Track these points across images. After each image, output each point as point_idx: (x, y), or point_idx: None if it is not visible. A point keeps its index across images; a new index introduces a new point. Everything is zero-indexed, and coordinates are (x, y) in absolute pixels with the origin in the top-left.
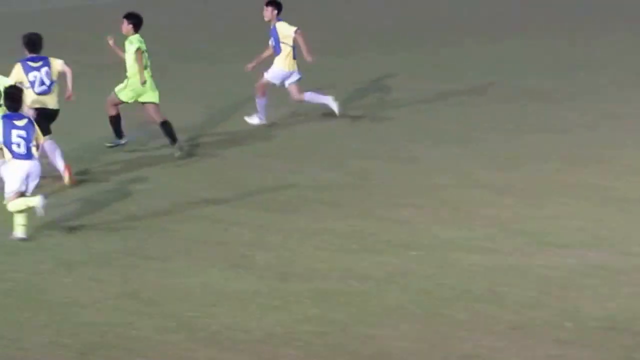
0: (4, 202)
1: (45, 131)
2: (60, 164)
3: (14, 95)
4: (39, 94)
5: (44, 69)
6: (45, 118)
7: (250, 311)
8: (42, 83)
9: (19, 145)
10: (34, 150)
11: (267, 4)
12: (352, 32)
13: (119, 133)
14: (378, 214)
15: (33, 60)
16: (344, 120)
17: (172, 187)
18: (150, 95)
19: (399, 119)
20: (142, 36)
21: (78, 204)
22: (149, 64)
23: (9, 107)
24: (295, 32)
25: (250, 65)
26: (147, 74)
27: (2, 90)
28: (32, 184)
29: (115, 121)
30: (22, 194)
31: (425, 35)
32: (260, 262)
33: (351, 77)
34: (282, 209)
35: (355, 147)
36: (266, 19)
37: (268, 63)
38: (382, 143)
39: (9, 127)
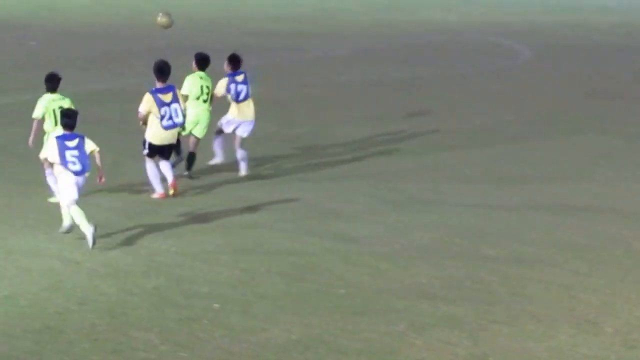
0: (66, 207)
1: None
2: (157, 185)
3: (71, 115)
4: (166, 128)
5: (174, 105)
6: (164, 150)
7: None
8: (170, 118)
9: (74, 163)
10: (97, 163)
11: (227, 58)
12: None
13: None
14: None
15: (162, 92)
16: None
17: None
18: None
19: None
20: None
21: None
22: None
23: (65, 125)
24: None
25: None
26: (205, 108)
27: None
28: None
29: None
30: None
31: None
32: (608, 329)
33: None
34: (629, 275)
35: None
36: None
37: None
38: None
39: (62, 149)
